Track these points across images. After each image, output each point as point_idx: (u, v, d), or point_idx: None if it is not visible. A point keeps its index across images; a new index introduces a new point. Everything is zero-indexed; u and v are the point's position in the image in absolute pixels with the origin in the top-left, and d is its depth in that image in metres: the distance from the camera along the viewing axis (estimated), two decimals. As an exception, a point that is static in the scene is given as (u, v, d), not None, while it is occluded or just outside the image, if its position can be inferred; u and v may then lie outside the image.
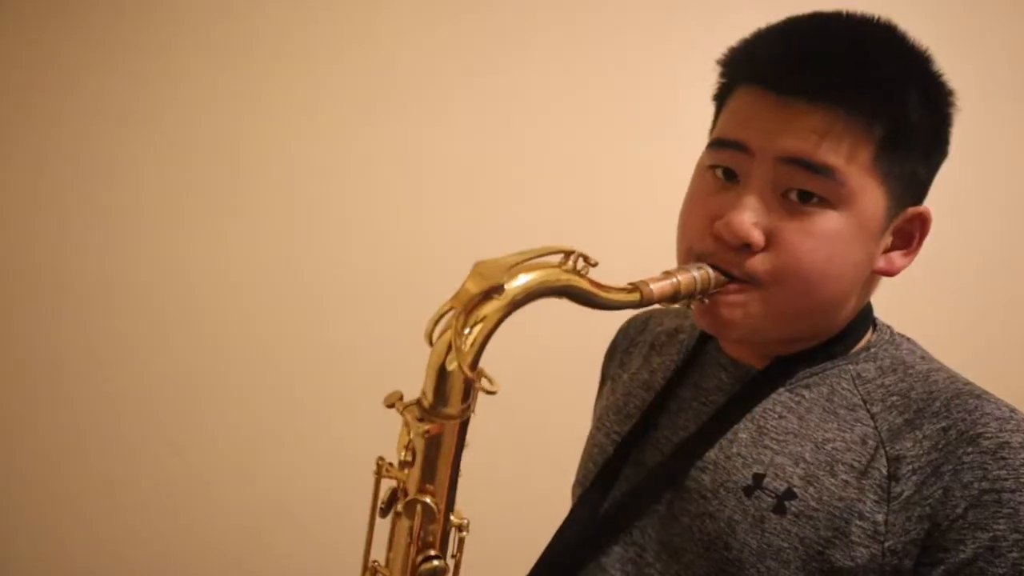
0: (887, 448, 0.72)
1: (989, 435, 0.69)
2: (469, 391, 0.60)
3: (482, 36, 1.64)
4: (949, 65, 1.74)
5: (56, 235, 1.65)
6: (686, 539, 0.76)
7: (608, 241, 1.29)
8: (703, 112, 1.45)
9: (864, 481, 0.71)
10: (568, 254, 0.62)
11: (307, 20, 1.62)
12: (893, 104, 0.71)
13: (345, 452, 1.53)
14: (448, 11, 1.62)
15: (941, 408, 0.72)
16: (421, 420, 0.60)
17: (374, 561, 0.70)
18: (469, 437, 0.63)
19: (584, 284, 0.63)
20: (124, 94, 1.64)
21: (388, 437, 1.56)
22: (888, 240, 0.76)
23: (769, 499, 0.73)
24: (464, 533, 0.67)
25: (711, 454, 0.78)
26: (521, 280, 0.59)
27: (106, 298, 1.65)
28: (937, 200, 1.70)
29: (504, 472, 1.54)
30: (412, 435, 0.61)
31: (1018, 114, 1.68)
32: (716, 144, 0.75)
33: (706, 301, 0.74)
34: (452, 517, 0.66)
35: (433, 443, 0.61)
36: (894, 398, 0.75)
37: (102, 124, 1.64)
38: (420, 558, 0.65)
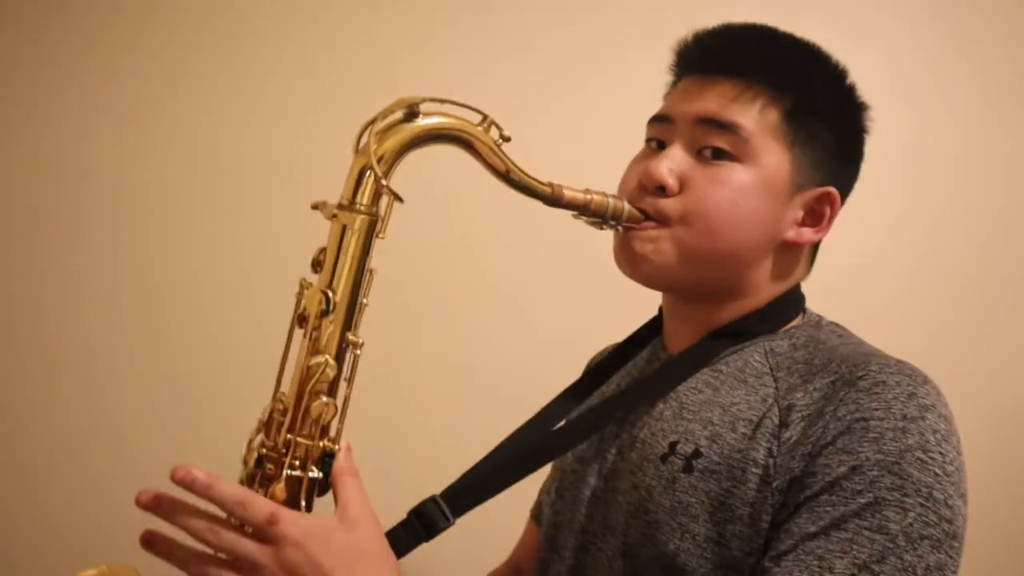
0: (780, 401, 0.77)
1: (868, 376, 0.73)
2: (378, 196, 0.73)
3: (482, 36, 1.68)
4: (949, 65, 1.71)
5: (56, 234, 1.67)
6: (619, 513, 0.81)
7: (608, 239, 1.42)
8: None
9: (758, 431, 0.75)
10: (485, 117, 0.77)
11: (308, 20, 1.67)
12: (800, 81, 0.84)
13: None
14: (449, 11, 1.68)
15: (835, 367, 0.77)
16: (335, 211, 0.72)
17: (282, 391, 0.78)
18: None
19: (496, 149, 0.76)
20: (124, 94, 1.66)
21: (388, 439, 1.54)
22: (799, 214, 0.86)
23: (680, 462, 0.78)
24: (358, 351, 0.74)
25: (641, 434, 0.84)
26: (435, 118, 0.74)
27: (106, 297, 1.66)
28: (937, 199, 1.68)
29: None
30: (328, 236, 0.73)
31: (1018, 114, 1.67)
32: (651, 121, 0.90)
33: (619, 229, 0.85)
34: (349, 333, 0.74)
35: (341, 237, 0.73)
36: (799, 366, 0.80)
37: (102, 124, 1.66)
38: (311, 360, 0.73)
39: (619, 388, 0.94)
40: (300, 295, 0.76)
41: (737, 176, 0.82)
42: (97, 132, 1.67)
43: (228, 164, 1.67)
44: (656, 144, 0.89)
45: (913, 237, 1.65)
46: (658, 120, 0.89)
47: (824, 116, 0.85)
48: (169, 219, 1.67)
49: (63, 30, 1.66)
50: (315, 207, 0.74)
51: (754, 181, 0.82)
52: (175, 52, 1.66)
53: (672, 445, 0.79)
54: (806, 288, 0.92)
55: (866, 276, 1.66)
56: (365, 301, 0.76)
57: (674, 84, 0.94)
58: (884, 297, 1.65)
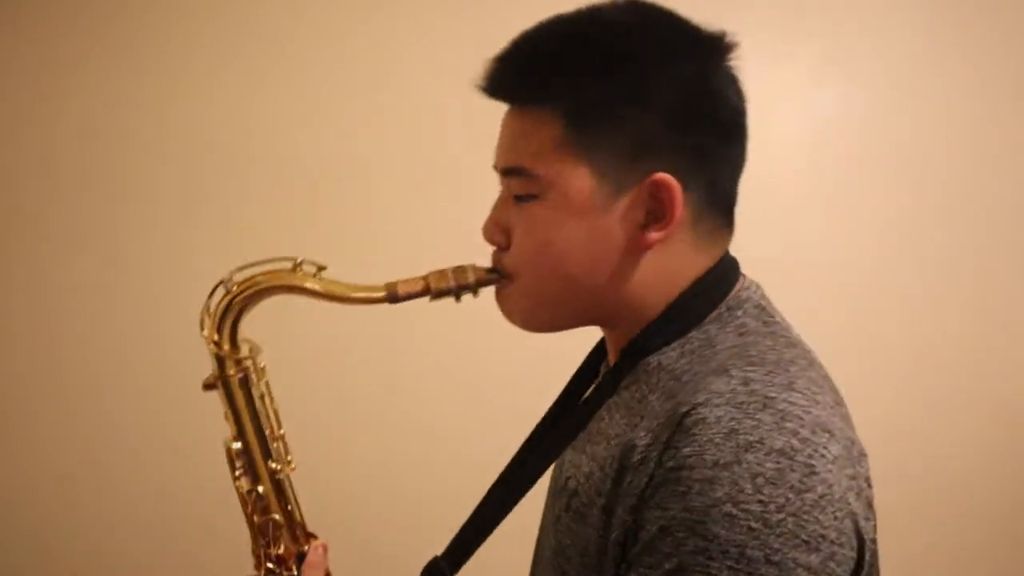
0: (629, 438, 0.72)
1: (693, 413, 0.66)
2: (223, 361, 0.87)
3: (482, 36, 1.60)
4: (949, 65, 1.67)
5: (57, 234, 1.67)
6: (538, 548, 0.87)
7: None
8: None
9: (618, 474, 0.72)
10: (295, 260, 0.85)
11: (309, 20, 1.66)
12: (567, 78, 0.75)
13: (346, 451, 1.63)
14: (449, 10, 1.64)
15: (680, 389, 0.71)
16: (214, 383, 0.88)
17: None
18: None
19: (309, 282, 0.85)
20: (125, 95, 1.67)
21: (386, 435, 1.63)
22: (638, 214, 0.76)
23: (564, 499, 0.79)
24: (286, 476, 0.91)
25: (562, 463, 0.86)
26: (250, 288, 0.85)
27: (107, 297, 1.67)
28: (938, 200, 1.64)
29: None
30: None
31: (1018, 115, 1.53)
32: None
33: (475, 295, 0.87)
34: (270, 462, 0.90)
35: (229, 398, 0.88)
36: (672, 382, 0.74)
37: (103, 125, 1.67)
38: (251, 488, 0.91)
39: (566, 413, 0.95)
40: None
41: (541, 214, 0.77)
42: (97, 133, 1.67)
43: (230, 164, 1.69)
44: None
45: (913, 237, 1.58)
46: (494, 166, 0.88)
47: (616, 101, 0.74)
48: (169, 218, 1.67)
49: (63, 31, 1.66)
50: (205, 387, 0.90)
51: (555, 212, 0.76)
52: (176, 53, 1.67)
53: (567, 480, 0.79)
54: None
55: (866, 276, 1.60)
56: (281, 432, 0.91)
57: None
58: (884, 297, 1.61)
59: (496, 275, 0.83)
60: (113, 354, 1.72)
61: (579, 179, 0.75)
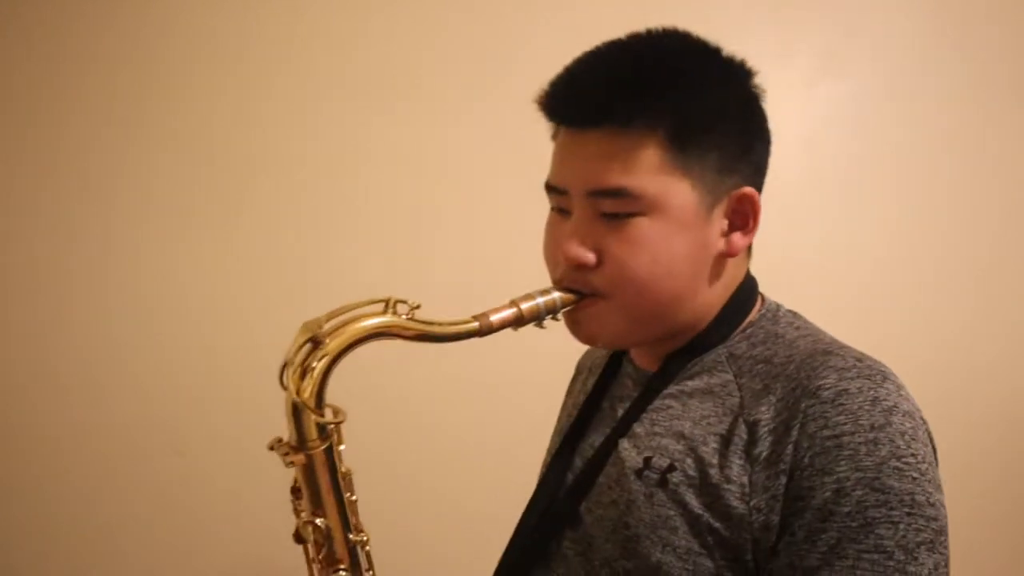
0: (745, 415, 0.77)
1: (828, 386, 0.74)
2: (321, 428, 0.75)
3: (482, 36, 1.65)
4: (949, 65, 1.71)
5: (59, 235, 1.66)
6: (596, 529, 0.84)
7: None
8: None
9: (729, 448, 0.77)
10: (387, 302, 0.76)
11: (310, 21, 1.65)
12: (665, 107, 0.78)
13: (346, 451, 1.64)
14: (449, 10, 1.65)
15: (793, 370, 0.77)
16: (287, 455, 0.75)
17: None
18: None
19: (407, 323, 0.77)
20: (126, 96, 1.66)
21: (386, 435, 1.63)
22: (724, 223, 0.82)
23: (655, 476, 0.80)
24: (368, 547, 0.80)
25: (617, 450, 0.86)
26: (343, 332, 0.74)
27: (109, 297, 1.66)
28: (938, 200, 1.69)
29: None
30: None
31: (1018, 115, 1.66)
32: (546, 189, 0.87)
33: (558, 318, 0.85)
34: (351, 535, 0.79)
35: (307, 471, 0.76)
36: (759, 366, 0.81)
37: (104, 126, 1.66)
38: (330, 571, 0.78)
39: (613, 410, 0.96)
40: (295, 510, 0.81)
41: (646, 230, 0.79)
42: (97, 133, 1.66)
43: (230, 165, 1.67)
44: (561, 211, 0.86)
45: (912, 237, 1.64)
46: (553, 191, 0.85)
47: (710, 122, 0.80)
48: (170, 219, 1.67)
49: (63, 31, 1.65)
50: (271, 448, 0.77)
51: (664, 227, 0.79)
52: (176, 54, 1.66)
53: (647, 460, 0.81)
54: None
55: (865, 276, 1.65)
56: (354, 498, 0.80)
57: (555, 129, 0.89)
58: (883, 297, 1.65)
59: (580, 295, 0.82)
60: (113, 355, 1.68)
61: (682, 195, 0.79)
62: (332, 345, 0.74)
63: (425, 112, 1.63)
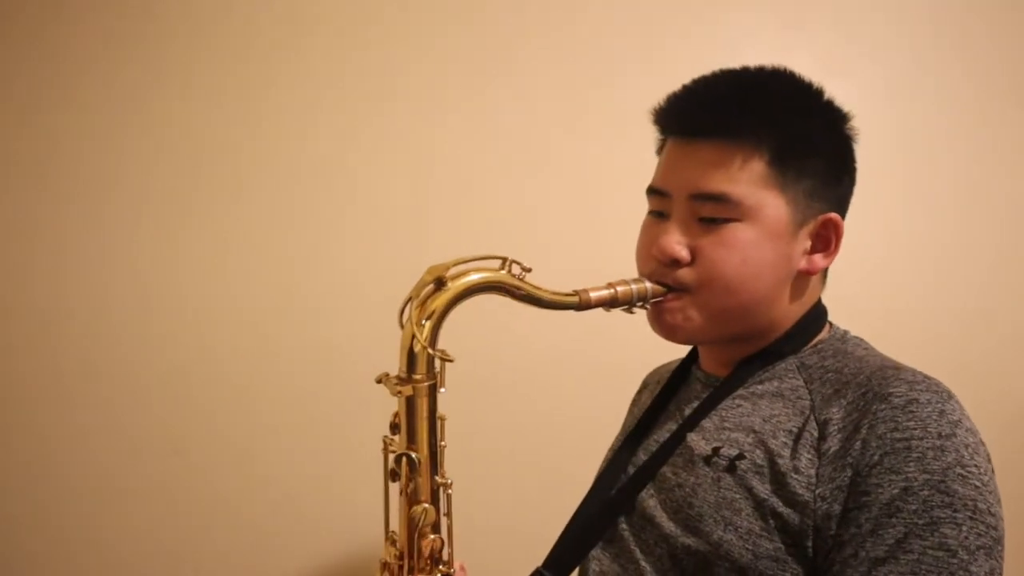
0: (817, 414, 0.84)
1: (899, 394, 0.80)
2: (431, 362, 0.82)
3: (482, 38, 1.67)
4: (949, 66, 1.72)
5: (57, 235, 1.66)
6: (657, 511, 0.89)
7: (608, 240, 1.36)
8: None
9: (799, 442, 0.82)
10: (504, 260, 0.84)
11: (309, 21, 1.67)
12: (773, 127, 0.88)
13: (346, 450, 1.58)
14: (449, 9, 1.68)
15: (864, 380, 0.84)
16: (397, 385, 0.81)
17: (392, 531, 0.89)
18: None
19: (519, 283, 0.84)
20: (129, 96, 1.67)
21: (383, 433, 1.61)
22: (807, 244, 0.91)
23: (723, 463, 0.85)
24: (449, 491, 0.85)
25: (686, 443, 0.92)
26: (463, 278, 0.82)
27: (107, 297, 1.66)
28: (938, 200, 1.68)
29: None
30: (397, 403, 0.83)
31: (1018, 115, 1.67)
32: (648, 192, 0.96)
33: (647, 307, 0.92)
34: (437, 477, 0.85)
35: (410, 404, 0.82)
36: (829, 375, 0.88)
37: (103, 126, 1.66)
38: (411, 505, 0.84)
39: (680, 412, 1.02)
40: (385, 451, 0.86)
41: (740, 235, 0.87)
42: (97, 134, 1.66)
43: (229, 166, 1.67)
44: (658, 214, 0.95)
45: (912, 237, 1.65)
46: (656, 193, 0.94)
47: (808, 150, 0.89)
48: (169, 219, 1.67)
49: (63, 30, 1.66)
50: (379, 381, 0.83)
51: (757, 234, 0.87)
52: (177, 56, 1.67)
53: (716, 449, 0.88)
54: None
55: (865, 276, 1.65)
56: (443, 444, 0.86)
57: (662, 141, 0.99)
58: (883, 297, 1.65)
59: (669, 289, 0.90)
60: (112, 356, 1.66)
61: (776, 209, 0.88)
62: (452, 288, 0.81)
63: (425, 112, 1.66)
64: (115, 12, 1.66)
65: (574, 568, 0.96)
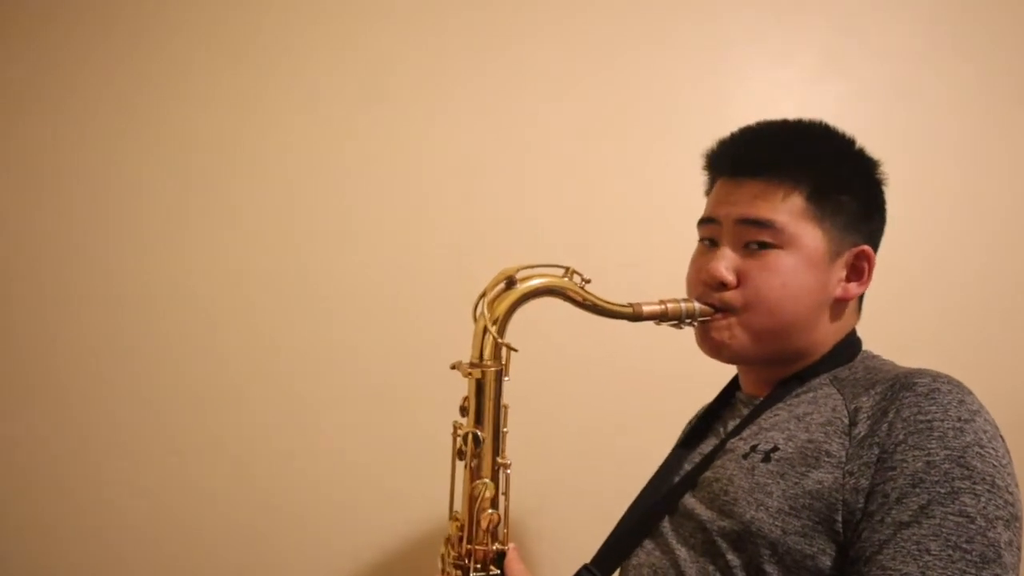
0: (848, 405, 0.93)
1: (923, 383, 0.88)
2: (499, 351, 0.94)
3: (483, 35, 1.71)
4: (948, 67, 1.76)
5: (56, 235, 1.66)
6: (698, 506, 0.97)
7: (608, 241, 1.40)
8: (702, 114, 1.55)
9: (830, 428, 0.91)
10: (567, 269, 0.98)
11: (307, 20, 1.70)
12: (811, 167, 1.01)
13: (346, 452, 1.60)
14: (449, 9, 1.71)
15: (892, 376, 0.93)
16: (469, 367, 0.94)
17: (455, 511, 1.00)
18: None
19: (580, 291, 0.97)
20: (124, 96, 1.68)
21: (386, 438, 1.68)
22: (843, 273, 1.02)
23: (759, 456, 0.94)
24: (508, 471, 0.96)
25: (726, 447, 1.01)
26: (531, 281, 0.95)
27: (105, 297, 1.66)
28: (938, 200, 1.71)
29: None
30: (467, 385, 0.95)
31: (1018, 115, 1.66)
32: (700, 222, 1.09)
33: (695, 324, 1.03)
34: (498, 458, 0.96)
35: (479, 386, 0.94)
36: (859, 380, 0.97)
37: (102, 126, 1.68)
38: (477, 478, 0.94)
39: (723, 428, 1.11)
40: (454, 434, 0.98)
41: (782, 261, 0.99)
42: (97, 134, 1.69)
43: (228, 166, 1.69)
44: (708, 242, 1.07)
45: (912, 237, 1.66)
46: (706, 222, 1.07)
47: (841, 188, 1.01)
48: (168, 219, 1.69)
49: (62, 30, 1.69)
50: (454, 367, 0.96)
51: (797, 261, 0.99)
52: (175, 55, 1.70)
53: (753, 447, 0.96)
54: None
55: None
56: (505, 430, 0.97)
57: (710, 184, 1.12)
58: (884, 297, 1.59)
59: (715, 310, 1.01)
60: (112, 356, 1.68)
61: (814, 239, 0.99)
62: (521, 288, 0.95)
63: (425, 112, 1.70)
64: (112, 13, 1.69)
65: (618, 566, 1.04)
